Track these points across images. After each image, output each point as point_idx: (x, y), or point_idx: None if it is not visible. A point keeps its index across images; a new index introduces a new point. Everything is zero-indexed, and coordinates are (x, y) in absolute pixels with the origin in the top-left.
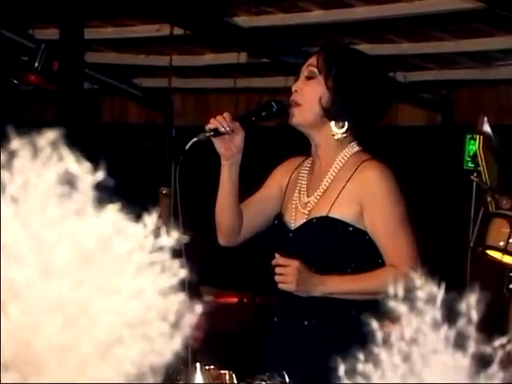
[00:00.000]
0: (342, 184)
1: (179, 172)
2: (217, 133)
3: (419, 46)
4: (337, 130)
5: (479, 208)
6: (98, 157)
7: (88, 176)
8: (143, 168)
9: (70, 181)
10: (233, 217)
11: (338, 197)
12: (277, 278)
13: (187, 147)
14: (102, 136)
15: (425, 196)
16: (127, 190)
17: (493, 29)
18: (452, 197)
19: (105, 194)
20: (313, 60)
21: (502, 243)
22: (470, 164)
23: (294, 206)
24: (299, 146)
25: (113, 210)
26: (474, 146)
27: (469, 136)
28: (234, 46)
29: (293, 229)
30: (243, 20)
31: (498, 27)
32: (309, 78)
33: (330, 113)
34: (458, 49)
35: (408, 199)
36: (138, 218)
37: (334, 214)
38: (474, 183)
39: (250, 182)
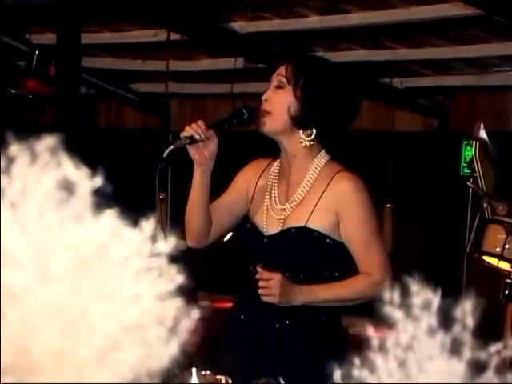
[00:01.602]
0: (318, 195)
1: (175, 176)
2: (192, 140)
3: (416, 52)
4: (305, 137)
5: (475, 214)
6: (95, 162)
7: (86, 182)
8: (140, 173)
9: (68, 187)
10: (203, 220)
11: (314, 208)
12: (260, 291)
13: (165, 155)
14: (99, 141)
15: (421, 202)
16: (124, 195)
17: (489, 35)
18: (448, 203)
19: (102, 200)
20: (281, 70)
21: (498, 249)
22: (466, 170)
23: (265, 211)
24: (268, 150)
25: (110, 216)
26: (470, 152)
27: (465, 142)
28: (230, 52)
29: (266, 234)
30: (240, 25)
31: (495, 34)
32: (278, 87)
33: (299, 121)
34: (455, 55)
35: (404, 205)
36: (135, 223)
37: (312, 225)
38: (470, 189)
39: (219, 185)
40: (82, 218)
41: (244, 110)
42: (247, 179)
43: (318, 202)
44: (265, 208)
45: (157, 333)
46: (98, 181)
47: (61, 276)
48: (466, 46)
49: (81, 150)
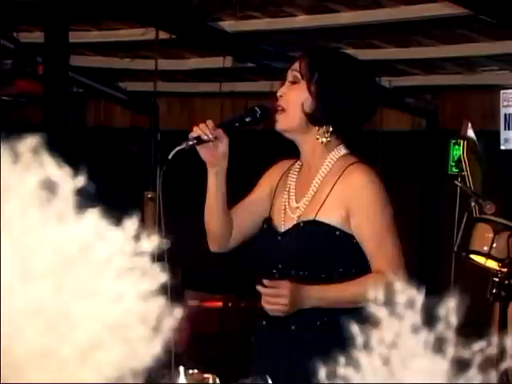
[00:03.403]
0: (329, 187)
1: (165, 175)
2: (200, 141)
3: (404, 52)
4: (321, 134)
5: (463, 213)
6: (83, 161)
7: (69, 181)
8: (128, 172)
9: (50, 186)
10: (222, 223)
11: (325, 200)
12: (268, 306)
13: (170, 156)
14: (87, 140)
15: (409, 201)
16: (112, 194)
17: (477, 35)
18: (436, 202)
19: (88, 199)
20: (296, 65)
21: (485, 248)
22: (454, 169)
23: (282, 210)
24: (289, 149)
25: (94, 215)
26: (458, 150)
27: (453, 141)
28: (219, 51)
29: (281, 232)
30: (229, 24)
31: (482, 33)
32: (293, 82)
33: (314, 118)
34: (443, 54)
35: (392, 204)
36: (120, 222)
37: (321, 218)
38: (458, 188)
39: (239, 186)
40: (64, 217)
41: (257, 108)
42: (270, 181)
43: (328, 195)
44: (283, 208)
45: (140, 332)
46: (81, 181)
47: (43, 275)
48: (454, 45)
49: (69, 148)
